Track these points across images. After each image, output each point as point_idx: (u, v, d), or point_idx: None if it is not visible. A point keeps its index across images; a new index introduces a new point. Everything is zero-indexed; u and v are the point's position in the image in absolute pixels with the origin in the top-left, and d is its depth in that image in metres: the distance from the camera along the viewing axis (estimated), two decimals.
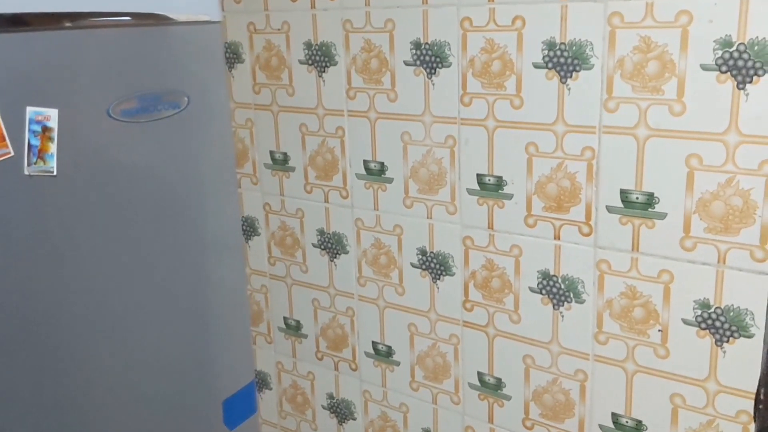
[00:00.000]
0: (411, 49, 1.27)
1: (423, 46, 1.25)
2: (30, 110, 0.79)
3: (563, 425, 1.26)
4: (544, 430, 1.28)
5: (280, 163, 1.52)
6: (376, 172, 1.38)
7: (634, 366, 1.15)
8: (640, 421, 1.17)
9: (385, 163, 1.36)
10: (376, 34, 1.30)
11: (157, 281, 0.98)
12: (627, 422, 1.19)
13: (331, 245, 1.49)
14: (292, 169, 1.50)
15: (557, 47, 1.12)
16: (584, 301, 1.18)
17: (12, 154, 0.79)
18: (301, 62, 1.42)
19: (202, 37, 0.96)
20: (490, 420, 1.34)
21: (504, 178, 1.22)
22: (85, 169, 0.86)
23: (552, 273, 1.20)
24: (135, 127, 0.89)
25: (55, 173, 0.83)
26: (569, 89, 1.12)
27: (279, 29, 1.43)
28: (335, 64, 1.37)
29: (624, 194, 1.11)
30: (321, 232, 1.49)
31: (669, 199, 1.07)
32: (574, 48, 1.10)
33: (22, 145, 0.80)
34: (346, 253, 1.47)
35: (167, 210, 0.96)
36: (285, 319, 1.61)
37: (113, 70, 0.88)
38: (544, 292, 1.22)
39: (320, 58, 1.39)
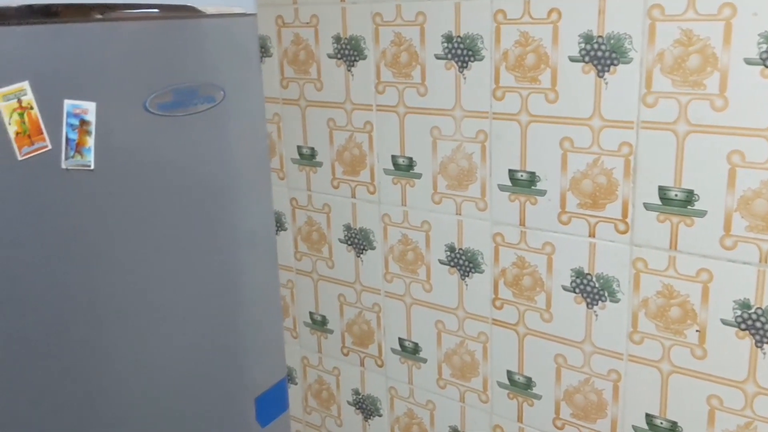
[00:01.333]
0: (442, 43, 1.25)
1: (455, 40, 1.23)
2: (67, 103, 0.78)
3: (595, 425, 1.24)
4: (575, 430, 1.26)
5: (308, 158, 1.50)
6: (404, 168, 1.36)
7: (670, 366, 1.13)
8: (675, 423, 1.15)
9: (413, 159, 1.34)
10: (407, 27, 1.28)
11: (191, 276, 0.97)
12: (661, 423, 1.16)
13: (358, 241, 1.47)
14: (320, 164, 1.49)
15: (594, 40, 1.09)
16: (619, 300, 1.16)
17: (49, 147, 0.78)
18: (329, 56, 1.40)
19: (237, 29, 0.94)
20: (520, 419, 1.33)
21: (537, 174, 1.19)
22: (120, 164, 0.85)
23: (586, 271, 1.18)
24: (171, 121, 0.88)
25: (92, 167, 0.82)
26: (606, 83, 1.10)
27: (308, 23, 1.41)
28: (364, 58, 1.35)
29: (662, 191, 1.08)
30: (347, 228, 1.48)
31: (709, 196, 1.04)
32: (612, 41, 1.08)
33: (59, 138, 0.79)
34: (373, 248, 1.45)
35: (201, 205, 0.95)
36: (311, 314, 1.60)
37: (148, 64, 0.87)
38: (577, 290, 1.20)
39: (349, 51, 1.37)
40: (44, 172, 0.79)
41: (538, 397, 1.29)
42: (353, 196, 1.45)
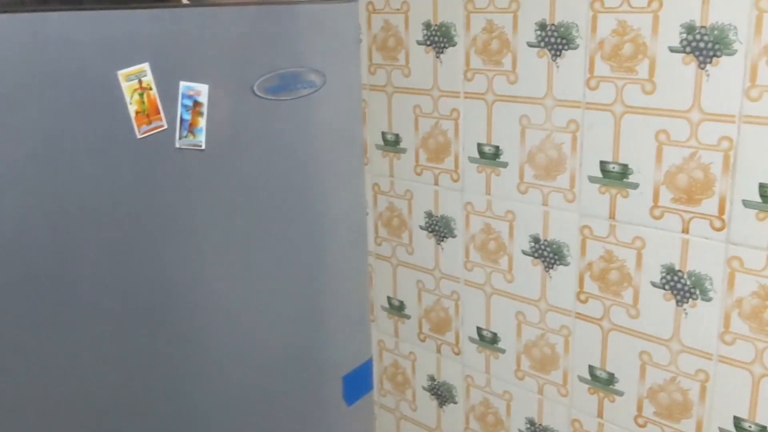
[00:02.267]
0: (535, 30, 1.23)
1: (549, 28, 1.21)
2: (183, 84, 0.81)
3: (679, 425, 1.21)
4: (658, 429, 1.24)
5: (392, 144, 1.51)
6: (490, 156, 1.35)
7: (763, 369, 1.10)
8: (764, 427, 1.12)
9: (500, 147, 1.33)
10: (500, 14, 1.27)
11: (288, 258, 0.99)
12: (750, 427, 1.13)
13: (439, 228, 1.47)
14: (403, 151, 1.49)
15: (697, 31, 1.06)
16: (711, 299, 1.13)
17: (165, 127, 0.81)
18: (419, 43, 1.40)
19: (339, 16, 0.95)
20: (600, 415, 1.31)
21: (630, 167, 1.17)
22: (228, 144, 0.88)
23: (677, 268, 1.15)
24: (276, 105, 0.90)
25: (203, 147, 0.85)
26: (708, 75, 1.06)
27: (398, 9, 1.41)
28: (454, 45, 1.35)
29: (763, 188, 1.04)
30: (429, 215, 1.48)
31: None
32: (715, 32, 1.04)
33: (173, 118, 0.82)
34: (454, 236, 1.45)
35: (299, 187, 0.97)
36: (389, 298, 1.62)
37: (256, 48, 0.89)
38: (667, 287, 1.17)
39: (439, 38, 1.37)
40: (159, 151, 0.82)
41: (620, 393, 1.27)
42: (436, 183, 1.45)
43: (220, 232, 0.89)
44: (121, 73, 0.77)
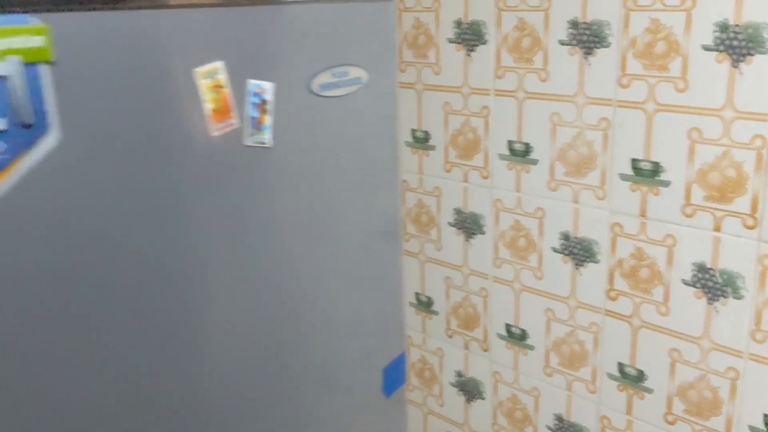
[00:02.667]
0: (567, 28, 1.24)
1: (580, 26, 1.22)
2: (251, 83, 0.83)
3: (708, 422, 1.21)
4: (688, 427, 1.24)
5: (421, 141, 1.52)
6: (520, 153, 1.36)
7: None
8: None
9: (530, 144, 1.34)
10: (531, 12, 1.28)
11: (334, 254, 1.01)
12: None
13: (468, 225, 1.48)
14: (432, 148, 1.51)
15: (730, 29, 1.06)
16: (743, 297, 1.13)
17: (236, 125, 0.83)
18: (449, 41, 1.41)
19: (380, 14, 0.97)
20: (629, 412, 1.31)
21: (661, 164, 1.17)
22: (288, 142, 0.90)
23: (709, 266, 1.15)
24: (327, 102, 0.92)
25: (268, 144, 0.87)
26: (741, 73, 1.06)
27: (429, 7, 1.43)
28: (485, 42, 1.36)
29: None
30: (458, 212, 1.49)
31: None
32: (749, 30, 1.04)
33: (242, 116, 0.84)
34: (483, 233, 1.46)
35: (343, 182, 0.99)
36: (417, 294, 1.63)
37: (311, 46, 0.91)
38: (698, 285, 1.17)
39: (470, 36, 1.38)
40: (230, 149, 0.84)
41: (649, 390, 1.27)
42: (465, 180, 1.46)
43: (279, 228, 0.92)
44: (198, 71, 0.79)
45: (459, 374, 1.60)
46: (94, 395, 0.79)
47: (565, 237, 1.33)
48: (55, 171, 0.71)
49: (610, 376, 1.32)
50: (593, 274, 1.30)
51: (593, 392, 1.36)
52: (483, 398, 1.56)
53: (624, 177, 1.22)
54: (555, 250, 1.35)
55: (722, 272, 1.14)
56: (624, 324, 1.28)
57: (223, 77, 0.80)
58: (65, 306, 0.75)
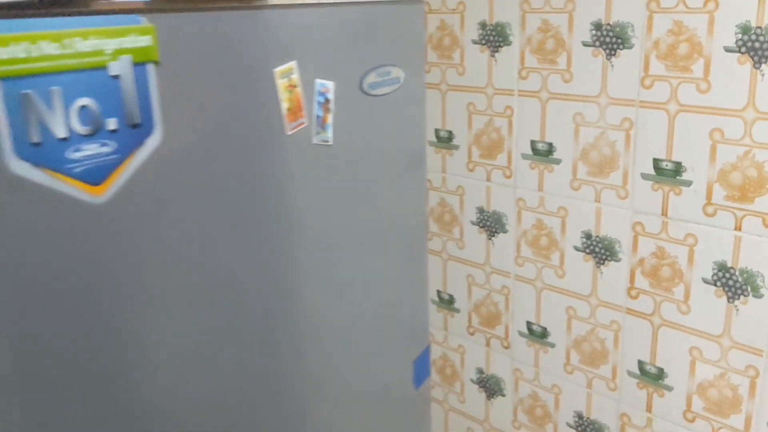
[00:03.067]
0: (591, 30, 1.26)
1: (604, 27, 1.24)
2: (318, 82, 0.85)
3: (728, 421, 1.22)
4: (707, 425, 1.25)
5: (445, 140, 1.55)
6: (543, 153, 1.38)
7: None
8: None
9: (553, 144, 1.36)
10: (555, 14, 1.30)
11: (366, 251, 1.04)
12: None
13: (490, 223, 1.51)
14: (456, 147, 1.53)
15: (753, 31, 1.07)
16: (763, 296, 1.14)
17: (307, 124, 0.86)
18: (474, 42, 1.44)
19: (412, 16, 1.00)
20: (648, 409, 1.33)
21: (683, 164, 1.19)
22: (342, 140, 0.93)
23: (729, 265, 1.16)
24: (373, 101, 0.96)
25: (330, 143, 0.90)
26: (763, 75, 1.07)
27: (454, 9, 1.45)
28: (509, 44, 1.38)
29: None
30: (480, 210, 1.52)
31: None
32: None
33: (311, 115, 0.87)
34: (505, 232, 1.48)
35: (378, 180, 1.02)
36: (439, 292, 1.65)
37: (359, 45, 0.94)
38: (719, 284, 1.18)
39: (494, 38, 1.40)
40: (301, 147, 0.87)
41: (669, 388, 1.29)
42: (488, 179, 1.49)
43: (327, 224, 0.95)
44: (276, 71, 0.81)
45: (480, 371, 1.62)
46: (195, 394, 0.82)
47: (587, 236, 1.34)
48: (158, 170, 0.72)
49: (630, 374, 1.34)
50: (614, 272, 1.32)
51: (613, 390, 1.37)
52: (504, 395, 1.58)
53: (646, 177, 1.24)
54: (577, 249, 1.37)
55: (742, 271, 1.15)
56: (645, 322, 1.29)
57: (296, 76, 0.82)
58: (166, 303, 0.77)
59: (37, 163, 0.64)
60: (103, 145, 0.68)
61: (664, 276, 1.25)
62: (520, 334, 1.51)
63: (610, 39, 1.23)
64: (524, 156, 1.41)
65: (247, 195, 0.83)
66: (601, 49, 1.25)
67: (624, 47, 1.22)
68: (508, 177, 1.45)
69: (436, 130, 1.56)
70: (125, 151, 0.70)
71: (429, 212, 1.63)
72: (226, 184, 0.81)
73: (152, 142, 0.72)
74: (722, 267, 1.17)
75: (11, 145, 0.63)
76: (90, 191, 0.68)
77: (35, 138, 0.64)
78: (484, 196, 1.51)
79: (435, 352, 1.71)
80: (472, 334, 1.61)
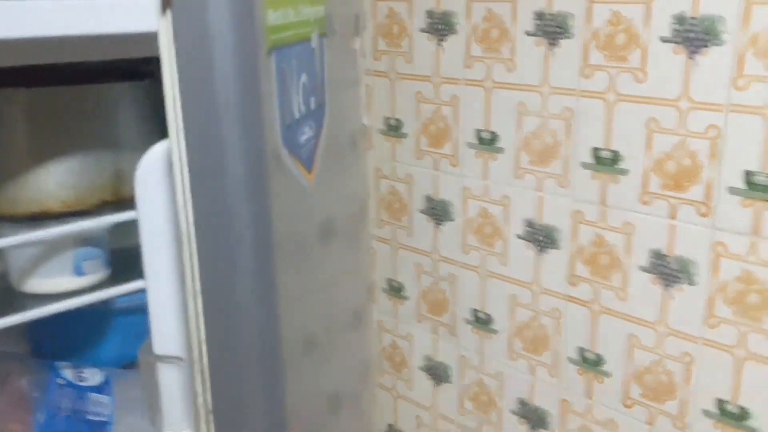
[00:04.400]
0: (534, 20, 1.26)
1: (546, 17, 1.25)
2: None
3: (664, 406, 1.25)
4: (644, 410, 1.27)
5: (394, 129, 1.55)
6: (487, 142, 1.39)
7: (745, 352, 1.13)
8: (745, 409, 1.15)
9: (497, 133, 1.37)
10: (499, 3, 1.30)
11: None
12: (732, 409, 1.16)
13: (438, 212, 1.51)
14: (405, 136, 1.53)
15: (687, 22, 1.09)
16: (697, 283, 1.16)
17: None
18: (422, 30, 1.44)
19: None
20: (589, 396, 1.35)
21: (621, 153, 1.20)
22: None
23: (664, 253, 1.18)
24: None
25: None
26: (697, 65, 1.09)
27: None
28: (455, 32, 1.38)
29: (749, 176, 1.08)
30: (428, 199, 1.52)
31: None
32: (705, 23, 1.07)
33: None
34: (452, 220, 1.49)
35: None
36: (389, 280, 1.66)
37: None
38: (655, 271, 1.20)
39: (441, 26, 1.41)
40: None
41: (608, 374, 1.31)
42: (436, 168, 1.49)
43: None
44: None
45: (428, 358, 1.63)
46: None
47: (530, 224, 1.36)
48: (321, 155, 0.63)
49: (571, 360, 1.36)
50: (555, 260, 1.33)
51: (555, 376, 1.39)
52: (450, 382, 1.59)
53: (586, 165, 1.25)
54: (519, 237, 1.38)
55: (677, 259, 1.18)
56: (585, 309, 1.31)
57: None
58: None
59: (290, 149, 0.53)
60: (310, 127, 0.57)
61: (602, 264, 1.27)
62: (466, 321, 1.52)
63: (552, 29, 1.24)
64: (470, 145, 1.42)
65: None
66: (543, 38, 1.26)
67: (565, 37, 1.23)
68: (455, 166, 1.46)
69: (386, 118, 1.56)
70: (317, 134, 0.59)
71: (379, 201, 1.63)
72: None
73: (326, 123, 0.61)
74: (658, 255, 1.19)
75: (279, 130, 0.52)
76: (307, 178, 0.59)
77: (288, 119, 0.53)
78: (431, 184, 1.51)
79: (385, 340, 1.72)
80: (420, 322, 1.62)
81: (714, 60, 1.08)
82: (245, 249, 0.62)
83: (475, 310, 1.50)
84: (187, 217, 0.65)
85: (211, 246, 0.67)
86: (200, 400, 0.79)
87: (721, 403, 1.19)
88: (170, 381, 0.84)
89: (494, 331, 1.47)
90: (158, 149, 0.74)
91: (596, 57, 1.20)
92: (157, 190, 0.73)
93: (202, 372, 0.75)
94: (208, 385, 0.74)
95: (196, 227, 0.65)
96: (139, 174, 0.75)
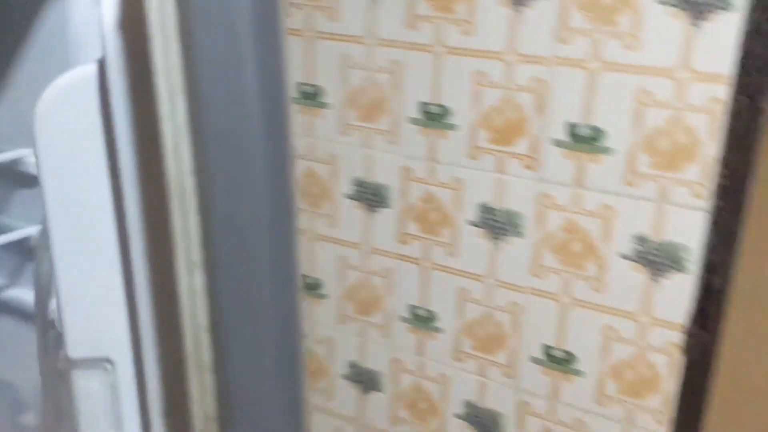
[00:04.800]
0: None
1: None
2: None
3: (495, 357, 1.25)
4: (475, 362, 1.27)
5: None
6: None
7: (570, 299, 1.15)
8: (570, 353, 1.18)
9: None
10: None
11: None
12: (557, 353, 1.19)
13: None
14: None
15: None
16: (523, 235, 1.16)
17: None
18: None
19: None
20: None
21: (449, 108, 1.17)
22: None
23: (492, 206, 1.18)
24: None
25: None
26: (522, 17, 0.98)
27: None
28: None
29: (571, 128, 1.08)
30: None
31: (616, 135, 1.05)
32: None
33: None
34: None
35: None
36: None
37: None
38: (484, 225, 1.19)
39: None
40: None
41: (441, 330, 1.28)
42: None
43: None
44: None
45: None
46: None
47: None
48: None
49: (402, 319, 1.32)
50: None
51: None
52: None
53: (415, 121, 1.21)
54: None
55: (505, 212, 1.16)
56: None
57: None
58: None
59: None
60: None
61: (432, 220, 1.21)
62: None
63: None
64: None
65: None
66: None
67: None
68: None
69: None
70: None
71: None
72: None
73: None
74: (486, 209, 1.18)
75: None
76: None
77: None
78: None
79: None
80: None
81: (539, 13, 1.03)
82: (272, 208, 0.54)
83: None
84: (180, 166, 0.52)
85: (226, 201, 0.53)
86: (195, 407, 0.59)
87: (547, 349, 1.20)
88: (92, 392, 0.63)
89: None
90: (63, 83, 0.59)
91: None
92: (68, 129, 0.60)
93: (200, 371, 0.57)
94: (209, 387, 0.58)
95: (199, 175, 0.52)
96: (42, 110, 0.59)
